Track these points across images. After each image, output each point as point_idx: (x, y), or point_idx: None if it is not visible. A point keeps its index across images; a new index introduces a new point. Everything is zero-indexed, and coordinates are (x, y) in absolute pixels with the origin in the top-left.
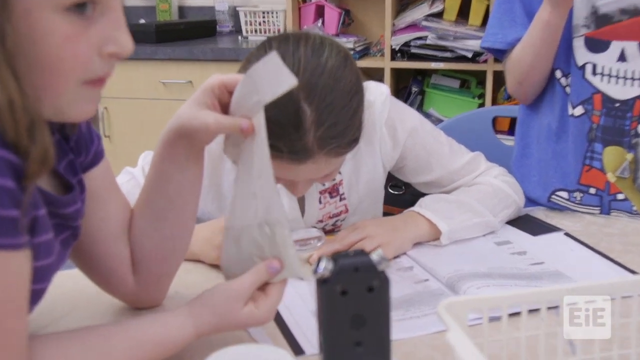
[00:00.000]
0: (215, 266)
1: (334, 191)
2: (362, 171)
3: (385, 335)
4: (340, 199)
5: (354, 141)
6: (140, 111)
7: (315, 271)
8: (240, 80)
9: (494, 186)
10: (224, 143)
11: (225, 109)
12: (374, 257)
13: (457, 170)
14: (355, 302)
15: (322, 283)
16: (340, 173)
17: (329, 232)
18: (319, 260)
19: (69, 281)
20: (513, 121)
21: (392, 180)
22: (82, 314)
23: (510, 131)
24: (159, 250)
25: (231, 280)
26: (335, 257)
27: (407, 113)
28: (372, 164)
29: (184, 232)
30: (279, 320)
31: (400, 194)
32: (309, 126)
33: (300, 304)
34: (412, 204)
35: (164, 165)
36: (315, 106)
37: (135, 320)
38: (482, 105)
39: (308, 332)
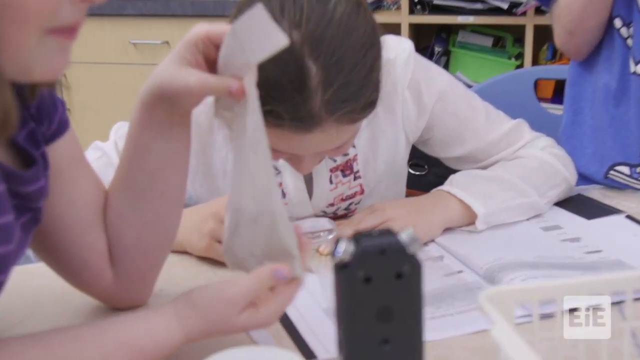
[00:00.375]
0: (205, 258)
1: (347, 168)
2: (380, 144)
3: (416, 332)
4: (355, 178)
5: (369, 105)
6: (106, 78)
7: (333, 254)
8: (226, 34)
9: (540, 160)
10: (214, 105)
11: (212, 66)
12: (403, 237)
13: (495, 141)
14: (381, 292)
15: (342, 269)
16: (354, 146)
17: (341, 217)
18: (338, 241)
19: (28, 278)
20: (559, 86)
21: (412, 158)
22: (46, 317)
23: (555, 98)
24: (141, 239)
25: (227, 283)
26: (357, 237)
27: (434, 73)
28: (392, 135)
29: (171, 215)
30: (284, 320)
31: (422, 175)
32: (315, 87)
33: (310, 301)
34: (437, 186)
35: (143, 135)
36: (322, 63)
37: (112, 322)
38: (519, 67)
39: (320, 333)
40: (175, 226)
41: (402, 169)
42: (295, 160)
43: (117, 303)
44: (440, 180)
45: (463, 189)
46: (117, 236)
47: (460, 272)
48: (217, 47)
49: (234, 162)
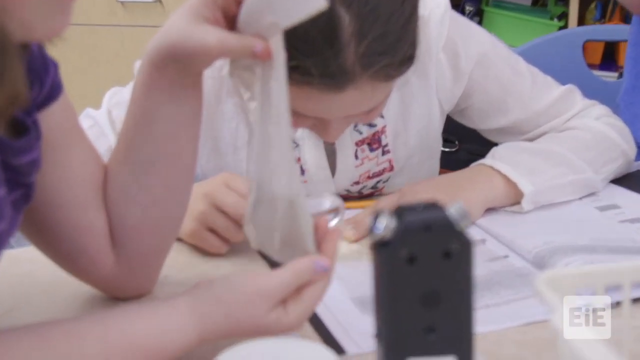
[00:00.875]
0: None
1: (374, 142)
2: (412, 114)
3: (466, 319)
4: (383, 153)
5: (407, 60)
6: (91, 41)
7: (372, 231)
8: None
9: (595, 131)
10: (230, 64)
11: (230, 23)
12: (452, 211)
13: (543, 110)
14: (427, 273)
15: (382, 247)
16: (382, 117)
17: (367, 196)
18: (377, 216)
19: (14, 264)
20: (608, 49)
21: (442, 132)
22: (35, 308)
23: (605, 64)
24: (148, 217)
25: (258, 275)
26: (399, 211)
27: (473, 33)
28: (426, 103)
29: (181, 189)
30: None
31: (453, 152)
32: (348, 39)
33: (338, 289)
34: (469, 164)
35: (150, 99)
36: (356, 12)
37: (116, 316)
38: (563, 28)
39: (349, 326)
40: (186, 202)
41: (436, 143)
42: (320, 127)
43: (119, 292)
44: (474, 158)
45: (508, 163)
46: (120, 215)
47: (505, 257)
48: (238, 2)
49: (256, 128)
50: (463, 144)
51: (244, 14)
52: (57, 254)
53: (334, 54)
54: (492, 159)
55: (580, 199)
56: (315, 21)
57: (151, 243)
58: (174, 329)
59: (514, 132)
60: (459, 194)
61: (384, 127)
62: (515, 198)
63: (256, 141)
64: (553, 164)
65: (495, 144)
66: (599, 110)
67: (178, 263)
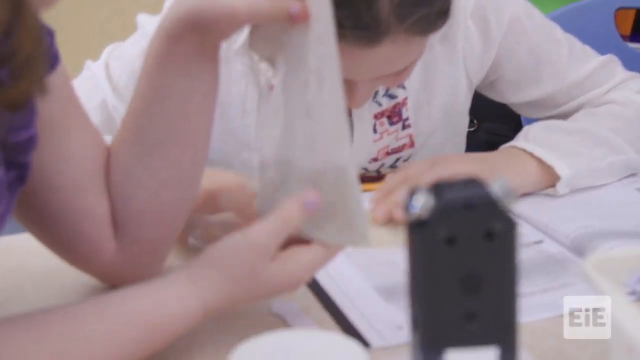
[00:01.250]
0: None
1: (394, 115)
2: (436, 85)
3: (510, 305)
4: (404, 127)
5: (443, 13)
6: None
7: (407, 209)
8: None
9: (637, 106)
10: (250, 34)
11: None
12: (496, 188)
13: (580, 81)
14: (468, 256)
15: (418, 227)
16: (403, 87)
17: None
18: (413, 193)
19: (3, 254)
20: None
21: None
22: (27, 301)
23: (636, 35)
24: (155, 202)
25: (247, 229)
26: (437, 188)
27: None
28: (452, 74)
29: (193, 172)
30: (327, 301)
31: (471, 132)
32: None
33: (358, 278)
34: (489, 146)
35: (164, 73)
36: None
37: (114, 295)
38: None
39: (373, 317)
40: (197, 186)
41: (463, 118)
42: (346, 91)
43: (120, 281)
44: (493, 139)
45: (542, 146)
46: (124, 199)
47: (540, 242)
48: None
49: (282, 103)
50: (482, 123)
51: None
52: (54, 241)
53: (368, 4)
54: (526, 140)
55: (620, 180)
56: None
57: (157, 229)
58: (172, 298)
59: (547, 105)
60: (494, 174)
61: (405, 99)
62: (550, 181)
63: (285, 112)
64: (591, 144)
65: (517, 122)
66: None
67: (181, 252)
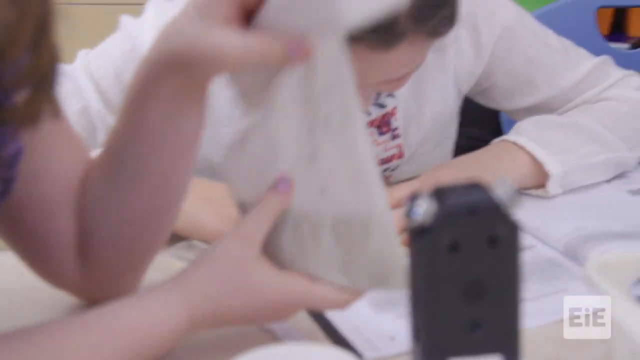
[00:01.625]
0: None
1: (383, 124)
2: (427, 94)
3: (513, 313)
4: (393, 137)
5: (454, 17)
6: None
7: (409, 215)
8: None
9: (633, 102)
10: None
11: (248, 16)
12: (499, 191)
13: (574, 85)
14: (471, 262)
15: (420, 234)
16: (393, 96)
17: None
18: (414, 199)
19: None
20: (618, 17)
21: None
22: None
23: (615, 34)
24: (122, 235)
25: (232, 228)
26: (439, 193)
27: (495, 4)
28: (442, 82)
29: (168, 211)
30: (317, 314)
31: None
32: None
33: None
34: (469, 151)
35: (144, 112)
36: None
37: (97, 309)
38: None
39: (364, 328)
40: (171, 223)
41: (451, 126)
42: None
43: (92, 300)
44: (475, 144)
45: (534, 140)
46: (92, 225)
47: (533, 246)
48: None
49: (261, 145)
50: (463, 128)
51: (274, 5)
52: (24, 254)
53: None
54: (517, 134)
55: (609, 182)
56: None
57: (123, 259)
58: (158, 308)
59: (543, 110)
60: (485, 176)
61: (394, 108)
62: (541, 179)
63: (268, 158)
64: (584, 140)
65: (496, 126)
66: (638, 80)
67: (163, 265)
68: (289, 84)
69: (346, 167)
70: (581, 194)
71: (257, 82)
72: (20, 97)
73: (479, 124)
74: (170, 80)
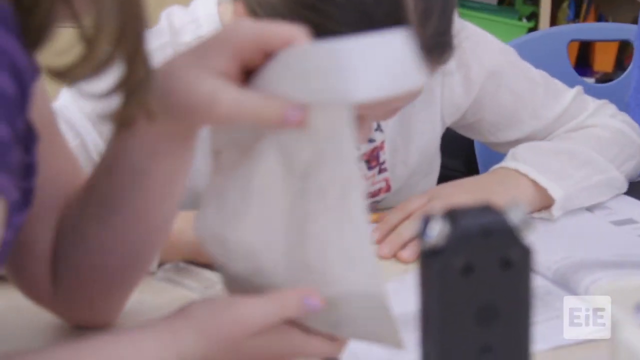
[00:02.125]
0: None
1: (372, 159)
2: (414, 128)
3: (524, 337)
4: (380, 171)
5: (453, 46)
6: None
7: (422, 237)
8: (306, 50)
9: (613, 129)
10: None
11: (246, 76)
12: (512, 214)
13: (557, 117)
14: (484, 285)
15: (434, 256)
16: (381, 131)
17: None
18: (427, 220)
19: None
20: (584, 51)
21: None
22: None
23: (581, 67)
24: (95, 266)
25: (236, 299)
26: (452, 214)
27: (484, 41)
28: (429, 117)
29: (148, 246)
30: None
31: None
32: (413, 22)
33: None
34: (443, 181)
35: (127, 150)
36: None
37: (90, 340)
38: (533, 30)
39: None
40: (151, 257)
41: (435, 158)
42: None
43: (70, 322)
44: (452, 174)
45: (533, 166)
46: (65, 250)
47: None
48: (267, 54)
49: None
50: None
51: (277, 70)
52: (6, 266)
53: None
54: (515, 161)
55: (592, 212)
56: (380, 3)
57: (95, 289)
58: (151, 348)
59: (527, 142)
60: (493, 199)
61: (383, 142)
62: (542, 204)
63: (290, 222)
64: (578, 164)
65: (470, 157)
66: (612, 108)
67: (153, 287)
68: (273, 150)
69: (342, 241)
70: (564, 222)
71: (235, 144)
72: (116, 101)
73: (454, 155)
74: (157, 125)
